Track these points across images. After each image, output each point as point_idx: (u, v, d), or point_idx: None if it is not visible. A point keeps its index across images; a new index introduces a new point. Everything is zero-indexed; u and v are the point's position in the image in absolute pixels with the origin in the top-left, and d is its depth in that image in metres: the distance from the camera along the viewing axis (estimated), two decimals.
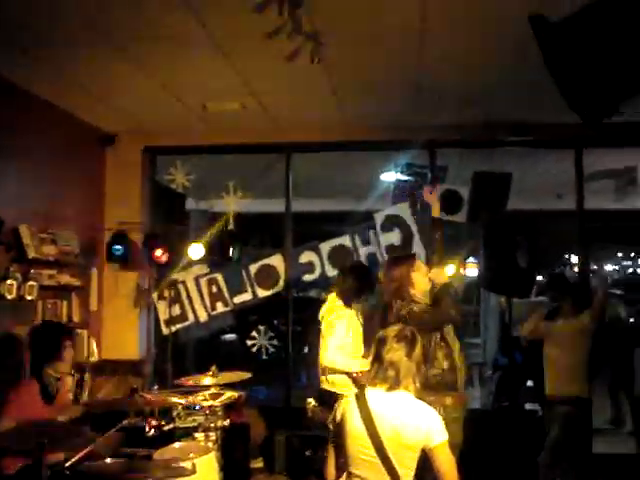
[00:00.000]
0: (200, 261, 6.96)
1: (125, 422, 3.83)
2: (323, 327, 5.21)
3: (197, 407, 4.35)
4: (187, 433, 4.32)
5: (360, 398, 3.25)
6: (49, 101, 5.94)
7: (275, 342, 7.34)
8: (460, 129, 6.47)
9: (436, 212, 4.93)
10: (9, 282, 5.19)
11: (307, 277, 7.05)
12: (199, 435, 4.29)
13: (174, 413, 4.28)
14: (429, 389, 3.90)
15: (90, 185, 6.88)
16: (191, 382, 4.52)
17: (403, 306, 4.34)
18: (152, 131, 6.97)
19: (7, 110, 5.43)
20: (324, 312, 5.27)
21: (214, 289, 7.07)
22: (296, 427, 5.74)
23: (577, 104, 2.86)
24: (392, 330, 3.38)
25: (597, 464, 6.01)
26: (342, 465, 3.31)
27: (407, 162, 7.24)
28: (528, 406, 7.36)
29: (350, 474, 3.20)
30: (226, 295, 7.06)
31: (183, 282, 7.05)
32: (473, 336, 12.13)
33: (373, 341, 3.46)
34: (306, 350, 8.97)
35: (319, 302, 5.53)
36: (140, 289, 6.97)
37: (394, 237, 6.85)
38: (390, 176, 7.81)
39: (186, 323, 7.06)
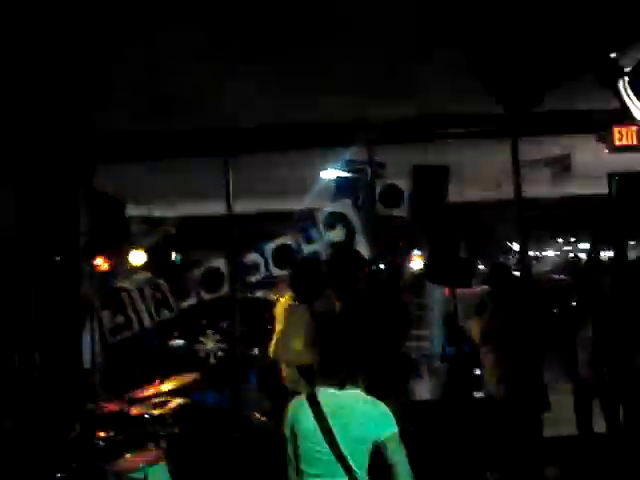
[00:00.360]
0: (142, 267, 6.85)
1: (73, 434, 3.76)
2: (276, 324, 5.24)
3: (146, 416, 4.29)
4: (137, 443, 4.25)
5: (310, 396, 3.24)
6: None
7: (223, 345, 7.28)
8: (397, 124, 6.49)
9: None
10: None
11: (252, 278, 7.01)
12: (150, 444, 4.23)
13: (123, 423, 4.22)
14: None
15: None
16: (139, 391, 4.46)
17: None
18: None
19: None
20: (277, 309, 5.29)
21: (158, 295, 6.97)
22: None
23: (500, 95, 2.91)
24: (343, 326, 3.38)
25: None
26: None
27: (347, 159, 7.27)
28: (477, 394, 7.45)
29: (304, 473, 3.19)
30: (170, 301, 6.97)
31: (126, 289, 6.93)
32: (421, 328, 12.21)
33: (323, 338, 3.46)
34: (256, 351, 8.92)
35: (267, 302, 5.53)
36: (83, 299, 6.82)
37: (337, 234, 6.87)
38: (330, 173, 7.82)
39: (131, 331, 6.93)
